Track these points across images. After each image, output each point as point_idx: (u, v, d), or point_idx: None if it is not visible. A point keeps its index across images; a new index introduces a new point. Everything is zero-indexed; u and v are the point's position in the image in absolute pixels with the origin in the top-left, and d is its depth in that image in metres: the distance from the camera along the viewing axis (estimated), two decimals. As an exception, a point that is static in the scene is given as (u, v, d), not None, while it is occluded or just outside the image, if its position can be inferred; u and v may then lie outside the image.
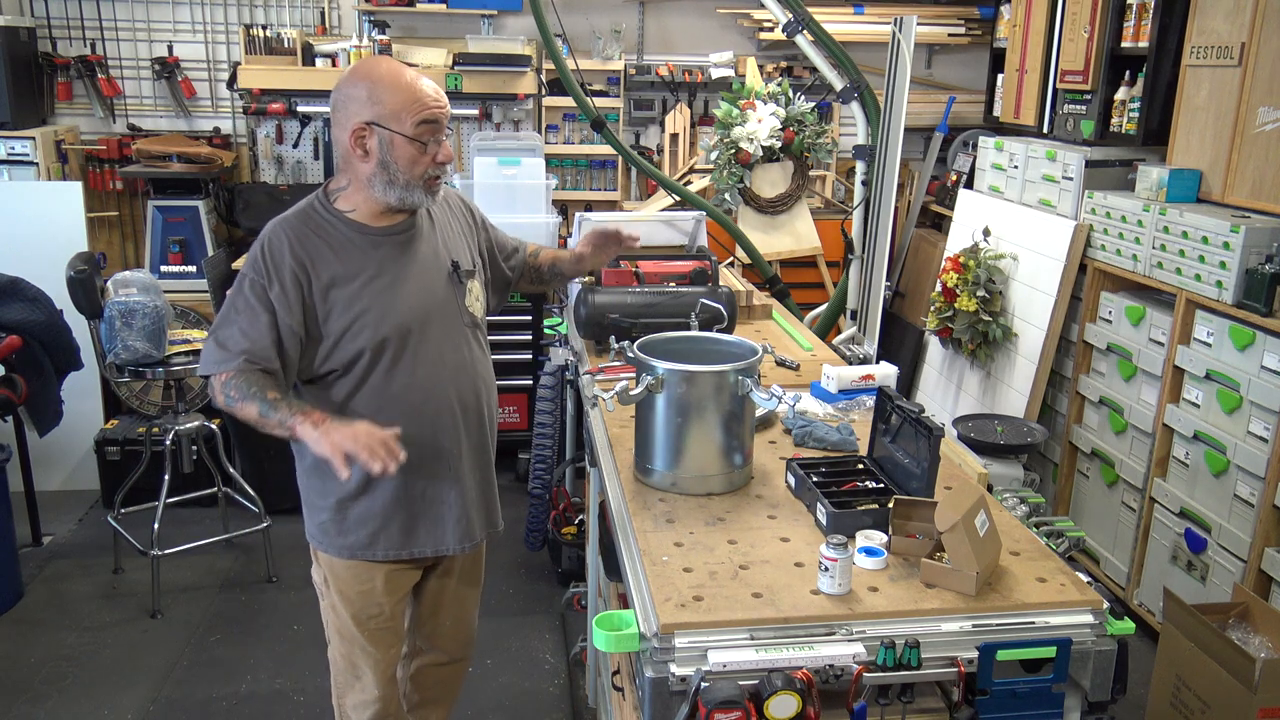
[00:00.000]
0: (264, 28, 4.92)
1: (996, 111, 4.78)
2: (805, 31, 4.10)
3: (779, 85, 4.76)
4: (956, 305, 4.14)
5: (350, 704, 2.27)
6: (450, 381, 2.12)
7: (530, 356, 4.62)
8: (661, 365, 2.04)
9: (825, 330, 4.34)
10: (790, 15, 4.08)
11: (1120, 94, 3.85)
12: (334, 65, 4.86)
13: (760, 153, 4.62)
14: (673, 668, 1.53)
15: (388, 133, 1.95)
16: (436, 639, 2.40)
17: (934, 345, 4.66)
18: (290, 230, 2.01)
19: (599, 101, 4.74)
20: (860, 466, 2.12)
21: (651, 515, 1.96)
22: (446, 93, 2.12)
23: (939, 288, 4.29)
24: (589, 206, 5.18)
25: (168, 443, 3.64)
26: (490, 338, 2.32)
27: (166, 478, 3.65)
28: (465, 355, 2.15)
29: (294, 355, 2.01)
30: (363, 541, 2.13)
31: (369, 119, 1.95)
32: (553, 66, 4.33)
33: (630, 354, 2.14)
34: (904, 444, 2.03)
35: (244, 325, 1.97)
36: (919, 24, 4.36)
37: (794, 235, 4.77)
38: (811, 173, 4.88)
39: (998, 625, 1.62)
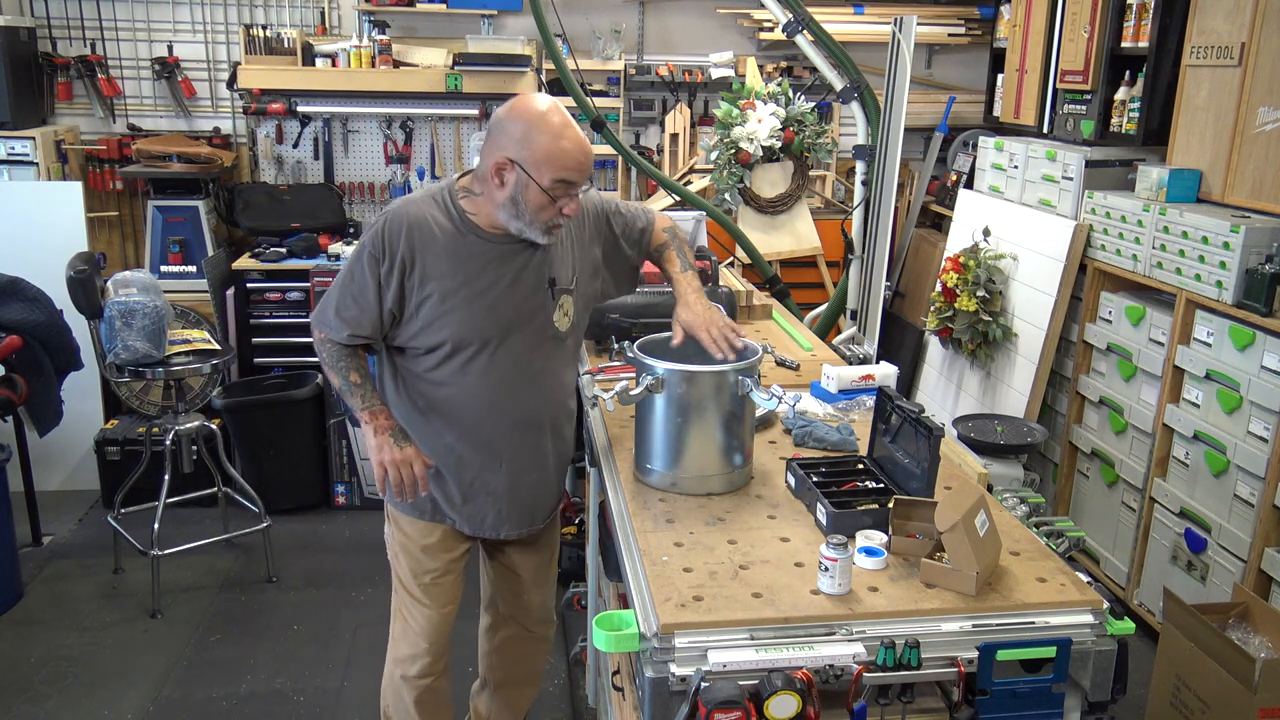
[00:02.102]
0: (264, 28, 4.92)
1: (996, 111, 4.78)
2: (805, 31, 4.10)
3: (779, 85, 4.76)
4: (956, 305, 4.14)
5: (397, 657, 2.39)
6: (519, 390, 2.20)
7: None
8: (661, 365, 2.04)
9: (825, 330, 4.34)
10: (790, 15, 4.08)
11: (1120, 94, 3.85)
12: (334, 65, 4.86)
13: (760, 153, 4.62)
14: (673, 668, 1.53)
15: (526, 176, 2.02)
16: (518, 609, 2.53)
17: (934, 345, 4.66)
18: (411, 219, 2.10)
19: (599, 101, 4.74)
20: (860, 466, 2.12)
21: (651, 515, 1.96)
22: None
23: (939, 288, 4.29)
24: (589, 206, 5.17)
25: (168, 443, 3.64)
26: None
27: (166, 478, 3.65)
28: (540, 366, 2.22)
29: (388, 328, 2.17)
30: (419, 505, 2.28)
31: (513, 157, 2.02)
32: (553, 66, 4.33)
33: (630, 354, 2.14)
34: (904, 444, 2.03)
35: (355, 292, 2.12)
36: (919, 24, 4.36)
37: (794, 235, 4.77)
38: (811, 173, 4.87)
39: (998, 625, 1.62)
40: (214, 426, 3.79)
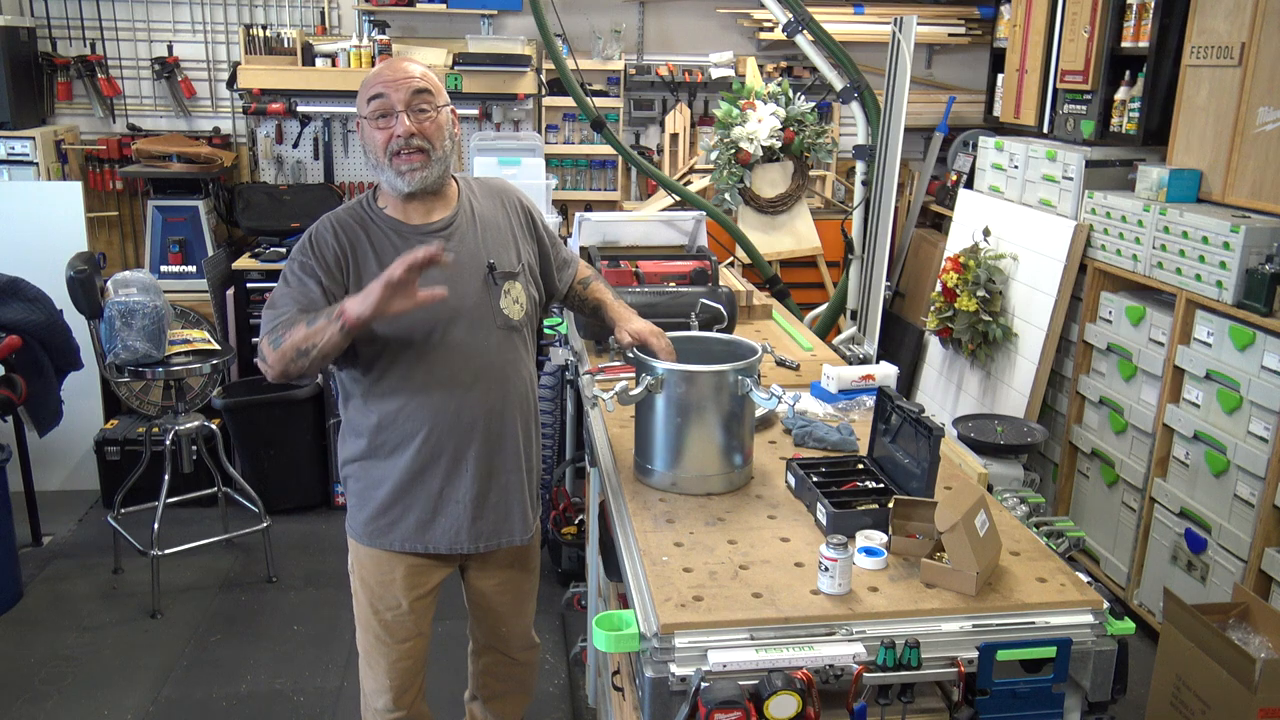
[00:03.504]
0: (264, 28, 4.92)
1: (996, 111, 4.78)
2: (805, 31, 4.10)
3: (779, 85, 4.76)
4: (956, 305, 4.14)
5: (366, 690, 2.34)
6: (473, 383, 2.09)
7: (530, 356, 4.61)
8: (661, 365, 2.04)
9: (825, 330, 4.34)
10: (790, 15, 4.08)
11: (1120, 94, 3.85)
12: (334, 65, 4.86)
13: (760, 153, 4.62)
14: (673, 668, 1.53)
15: (359, 122, 2.04)
16: (496, 639, 2.44)
17: (934, 345, 4.66)
18: (336, 221, 2.07)
19: (599, 101, 4.74)
20: (860, 466, 2.12)
21: (651, 515, 1.96)
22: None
23: (939, 288, 4.29)
24: (589, 206, 5.18)
25: (168, 443, 3.64)
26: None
27: (166, 478, 3.65)
28: (495, 358, 2.12)
29: None
30: (382, 529, 2.15)
31: (357, 116, 2.04)
32: (553, 66, 4.33)
33: (630, 354, 2.14)
34: (904, 444, 2.03)
35: (295, 295, 1.99)
36: (919, 24, 4.36)
37: (794, 235, 4.77)
38: (811, 173, 4.87)
39: (998, 625, 1.62)
40: (214, 426, 3.79)
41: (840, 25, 4.94)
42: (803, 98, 4.75)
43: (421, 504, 2.13)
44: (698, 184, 4.93)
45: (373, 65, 4.78)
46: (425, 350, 2.05)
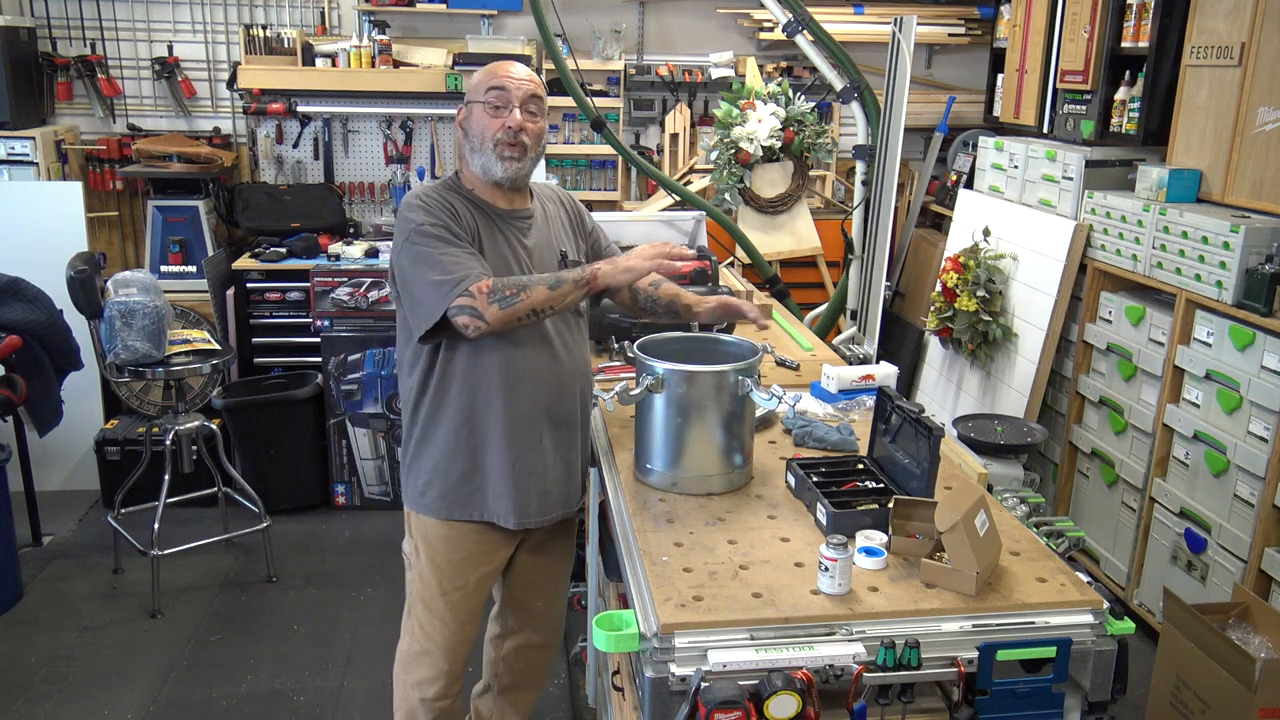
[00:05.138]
0: (264, 28, 4.92)
1: (996, 111, 4.78)
2: (805, 31, 4.10)
3: (779, 85, 4.76)
4: (956, 305, 4.14)
5: (413, 680, 2.36)
6: (550, 361, 2.20)
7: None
8: (661, 365, 2.04)
9: (825, 330, 4.34)
10: (790, 15, 4.09)
11: (1120, 94, 3.85)
12: (334, 65, 4.86)
13: (760, 153, 4.62)
14: (673, 668, 1.53)
15: (469, 107, 2.17)
16: (529, 618, 2.51)
17: (934, 345, 4.66)
18: (434, 193, 2.16)
19: (599, 101, 4.74)
20: (860, 466, 2.12)
21: (651, 515, 1.96)
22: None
23: (939, 288, 4.29)
24: (589, 206, 5.15)
25: (168, 443, 3.64)
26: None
27: (166, 478, 3.65)
28: (567, 339, 2.25)
29: None
30: (461, 500, 2.22)
31: (466, 100, 2.19)
32: (553, 66, 4.33)
33: (630, 354, 2.14)
34: (904, 444, 2.03)
35: (463, 254, 2.07)
36: (919, 24, 4.36)
37: (794, 235, 4.77)
38: (811, 173, 4.87)
39: (998, 625, 1.62)
40: (214, 426, 3.79)
41: (840, 25, 4.94)
42: (803, 98, 4.76)
43: (496, 475, 2.21)
44: (698, 184, 4.93)
45: (373, 65, 4.81)
46: (518, 330, 2.14)
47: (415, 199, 2.13)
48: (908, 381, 4.83)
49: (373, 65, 4.83)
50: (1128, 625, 1.65)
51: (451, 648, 2.32)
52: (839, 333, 4.28)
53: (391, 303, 2.42)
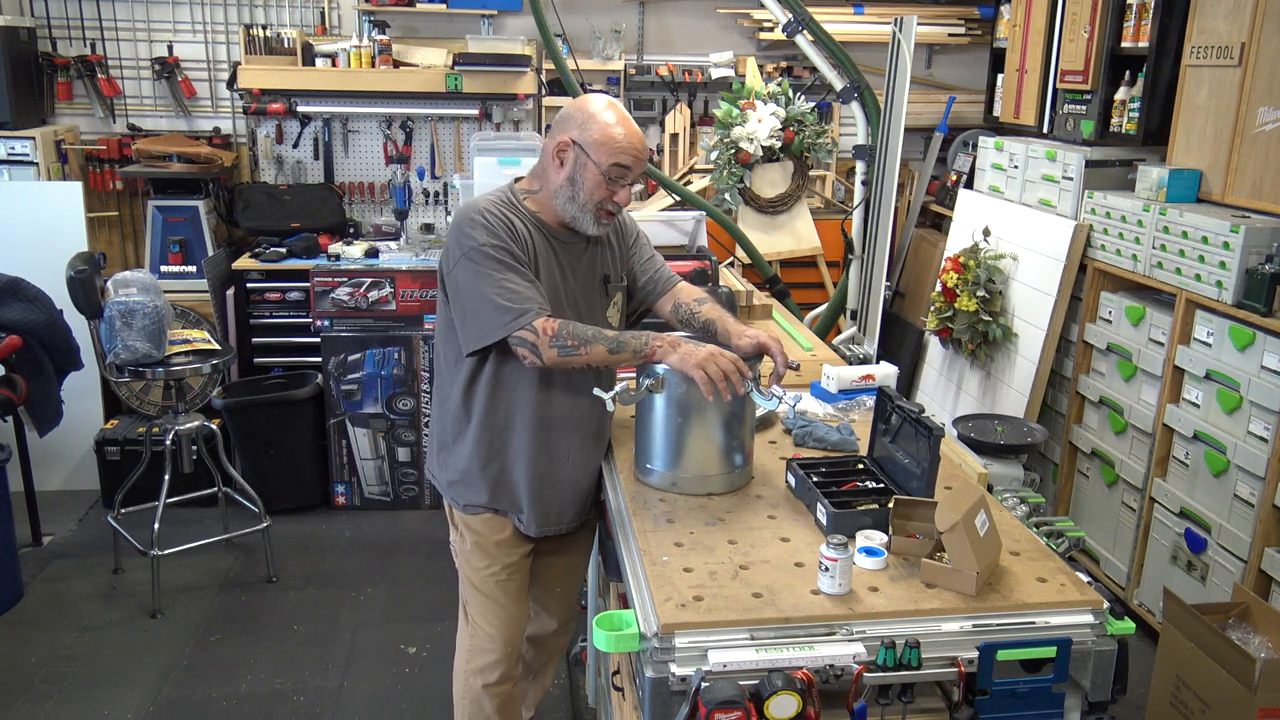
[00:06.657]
0: (264, 28, 4.92)
1: (996, 111, 4.78)
2: (805, 31, 4.10)
3: (779, 85, 4.76)
4: (956, 305, 4.14)
5: (475, 667, 2.39)
6: (585, 381, 2.21)
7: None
8: (661, 365, 2.04)
9: (825, 330, 4.34)
10: (790, 15, 4.09)
11: (1120, 94, 3.85)
12: (334, 65, 4.86)
13: (760, 153, 4.62)
14: (673, 668, 1.53)
15: (585, 156, 2.12)
16: (549, 605, 2.57)
17: (934, 345, 4.66)
18: (495, 206, 2.15)
19: (599, 101, 4.73)
20: (860, 466, 2.12)
21: (651, 515, 1.96)
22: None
23: (939, 288, 4.29)
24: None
25: (168, 443, 3.64)
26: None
27: (166, 478, 3.65)
28: None
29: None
30: (494, 496, 2.28)
31: (575, 138, 2.12)
32: (553, 66, 4.33)
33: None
34: (904, 444, 2.03)
35: (525, 282, 2.09)
36: (919, 24, 4.36)
37: (794, 235, 4.77)
38: (811, 173, 4.87)
39: (998, 625, 1.62)
40: (214, 426, 3.79)
41: (840, 25, 4.94)
42: (803, 98, 4.76)
43: (523, 485, 2.25)
44: (698, 184, 4.93)
45: (373, 65, 4.80)
46: None
47: (477, 214, 2.12)
48: (908, 381, 4.83)
49: (373, 65, 4.83)
50: (1128, 625, 1.66)
51: (508, 627, 2.35)
52: (839, 333, 4.28)
53: (437, 306, 2.39)
